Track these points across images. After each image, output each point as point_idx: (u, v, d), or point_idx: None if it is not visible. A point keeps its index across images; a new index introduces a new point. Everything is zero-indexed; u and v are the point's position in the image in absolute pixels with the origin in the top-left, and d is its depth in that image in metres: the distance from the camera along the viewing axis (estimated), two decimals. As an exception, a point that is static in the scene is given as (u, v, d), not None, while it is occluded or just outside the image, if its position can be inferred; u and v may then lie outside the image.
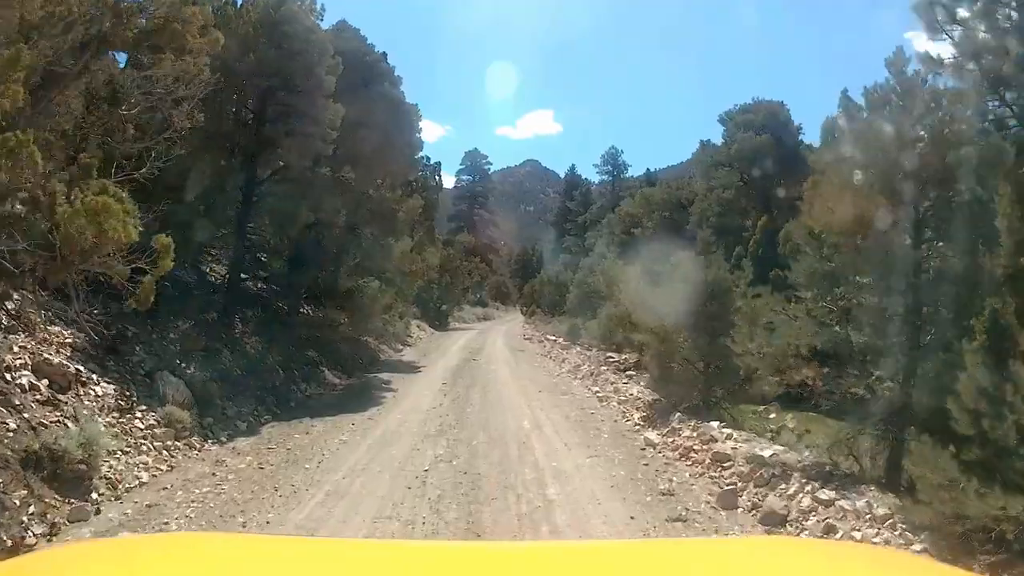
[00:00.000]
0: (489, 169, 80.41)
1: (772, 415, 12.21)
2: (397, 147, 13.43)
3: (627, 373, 16.40)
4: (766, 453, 6.73)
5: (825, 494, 5.41)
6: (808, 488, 5.54)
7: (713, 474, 6.40)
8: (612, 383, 12.10)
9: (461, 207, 73.63)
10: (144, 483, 6.21)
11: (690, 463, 6.81)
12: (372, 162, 13.09)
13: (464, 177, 76.89)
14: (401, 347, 21.28)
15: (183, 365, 9.24)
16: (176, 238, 5.54)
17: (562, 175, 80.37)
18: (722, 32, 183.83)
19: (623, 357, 20.28)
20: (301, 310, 14.22)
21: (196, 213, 10.67)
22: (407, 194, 14.60)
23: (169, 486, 6.05)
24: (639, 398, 10.19)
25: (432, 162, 39.74)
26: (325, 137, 11.40)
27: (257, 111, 11.54)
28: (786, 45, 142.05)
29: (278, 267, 14.14)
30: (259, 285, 13.85)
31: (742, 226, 18.17)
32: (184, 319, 10.52)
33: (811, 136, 20.61)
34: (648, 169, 50.39)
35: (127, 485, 6.09)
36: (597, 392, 11.44)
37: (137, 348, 8.77)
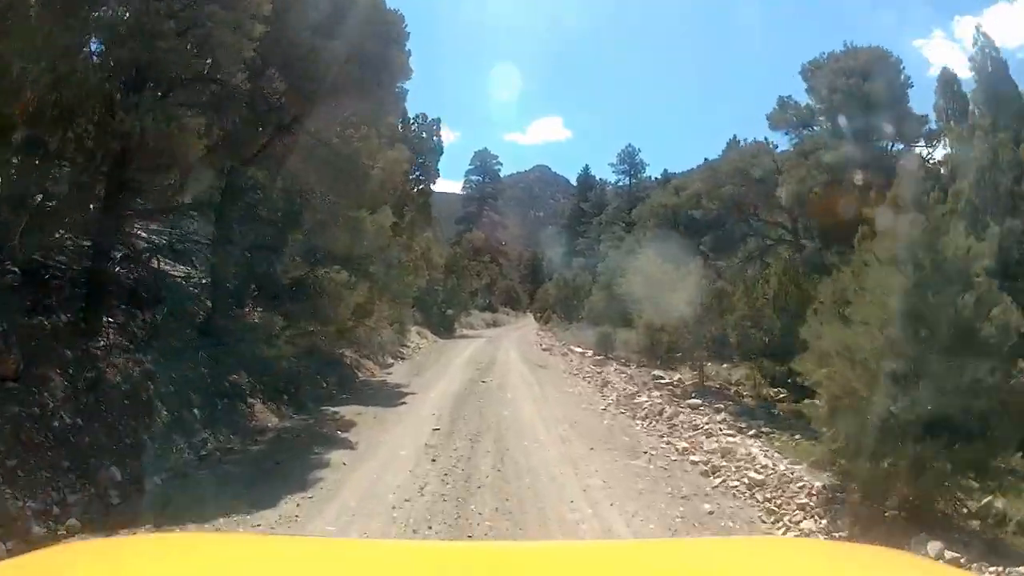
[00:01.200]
0: (499, 170, 77.44)
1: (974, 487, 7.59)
2: (370, 69, 8.93)
3: (689, 403, 12.07)
4: None
5: None
6: None
7: None
8: (708, 433, 7.45)
9: (470, 208, 71.13)
10: None
11: None
12: (330, 91, 8.61)
13: (473, 177, 74.44)
14: (391, 361, 16.88)
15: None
16: None
17: (572, 180, 76.85)
18: (729, 38, 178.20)
19: (676, 378, 15.82)
20: (232, 311, 9.72)
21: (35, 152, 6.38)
22: (387, 143, 10.11)
23: None
24: (786, 475, 5.54)
25: (430, 120, 33.51)
26: (244, 29, 6.98)
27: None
28: (794, 47, 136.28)
29: (209, 247, 9.74)
30: (169, 275, 9.39)
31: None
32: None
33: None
34: (665, 169, 46.29)
35: None
36: (687, 452, 6.80)
37: None
